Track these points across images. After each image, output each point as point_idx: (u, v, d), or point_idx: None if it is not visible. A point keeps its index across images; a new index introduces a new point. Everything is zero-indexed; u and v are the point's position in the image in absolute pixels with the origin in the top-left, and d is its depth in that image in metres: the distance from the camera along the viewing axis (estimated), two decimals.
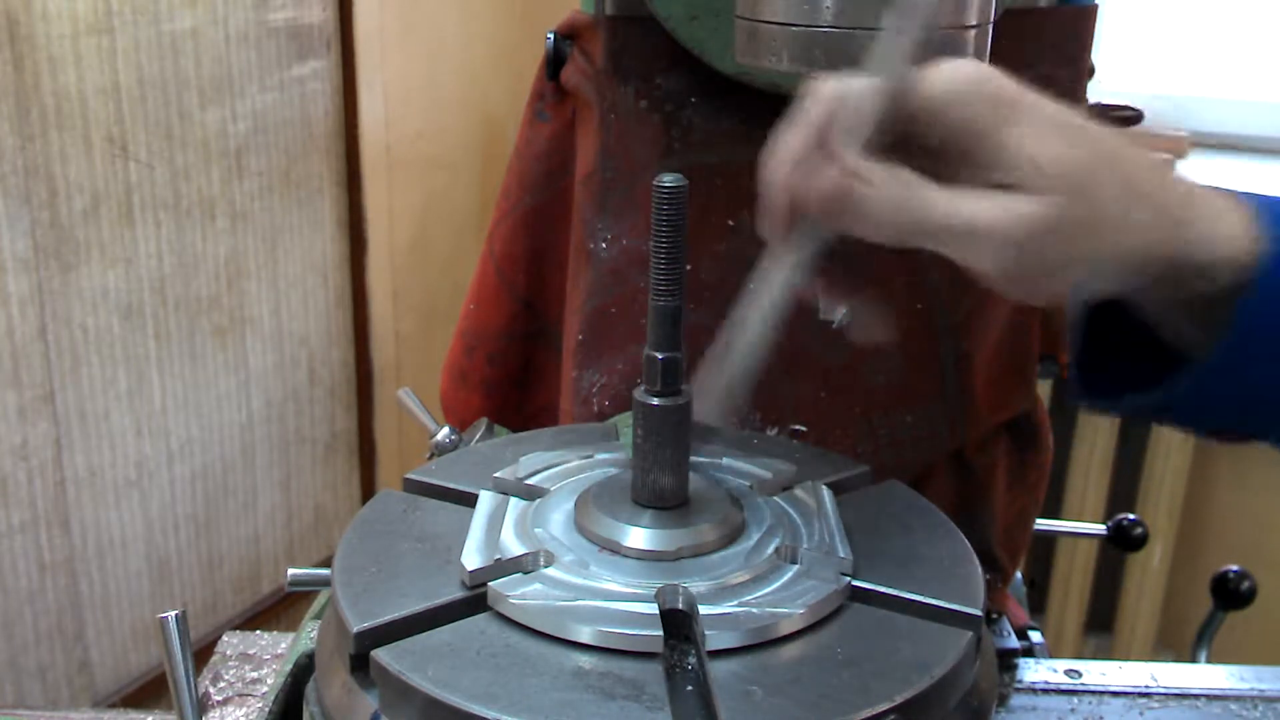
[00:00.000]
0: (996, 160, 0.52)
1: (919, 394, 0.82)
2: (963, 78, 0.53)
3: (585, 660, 0.49)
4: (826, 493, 0.62)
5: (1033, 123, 0.52)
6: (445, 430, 0.87)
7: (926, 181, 0.53)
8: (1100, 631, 2.35)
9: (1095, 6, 0.81)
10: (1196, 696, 0.84)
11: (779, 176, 0.55)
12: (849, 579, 0.55)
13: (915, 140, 0.54)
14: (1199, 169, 2.15)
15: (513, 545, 0.56)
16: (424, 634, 0.51)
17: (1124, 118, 1.22)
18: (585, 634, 0.50)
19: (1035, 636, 0.92)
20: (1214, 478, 2.28)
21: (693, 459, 0.59)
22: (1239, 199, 0.56)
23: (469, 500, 0.62)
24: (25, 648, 1.73)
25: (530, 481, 0.63)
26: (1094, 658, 1.71)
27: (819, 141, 0.53)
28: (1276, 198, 0.57)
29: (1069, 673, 0.87)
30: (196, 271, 1.92)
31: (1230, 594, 1.13)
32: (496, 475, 0.63)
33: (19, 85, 1.58)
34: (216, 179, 1.92)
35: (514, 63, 2.45)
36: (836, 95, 0.54)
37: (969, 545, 0.60)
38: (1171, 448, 2.21)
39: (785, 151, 0.54)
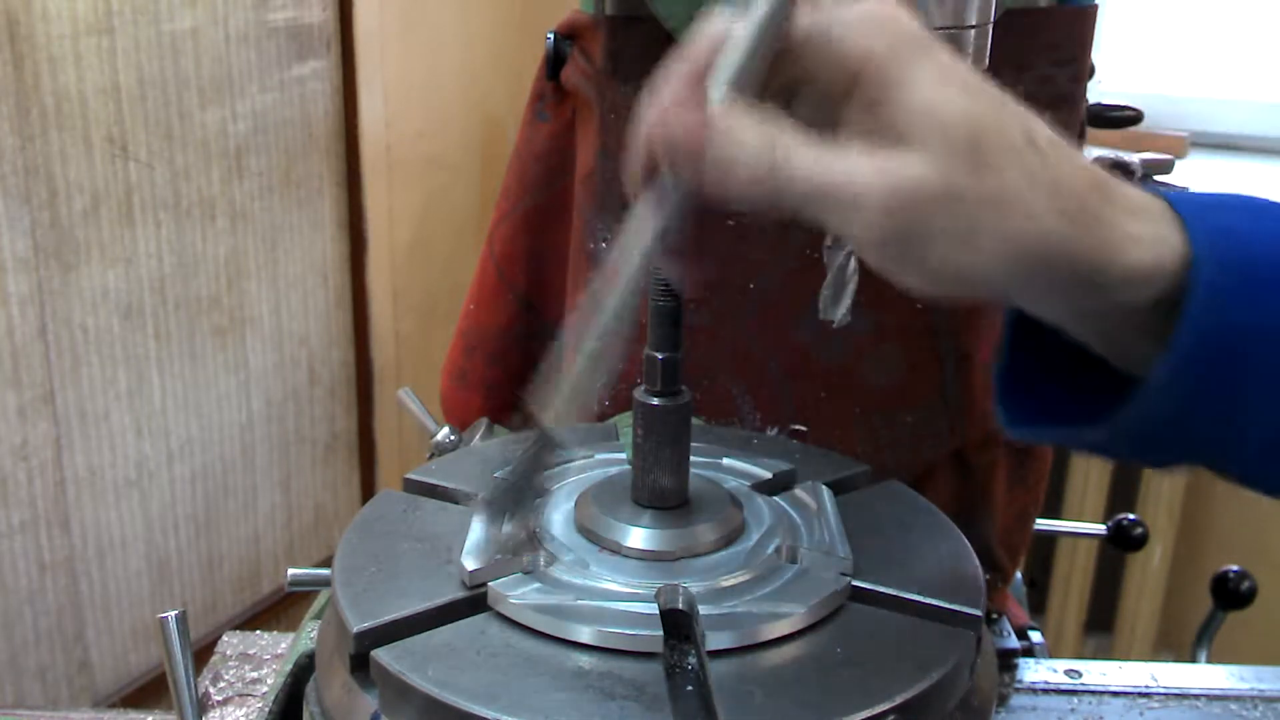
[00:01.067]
0: (883, 104, 0.45)
1: (919, 394, 0.82)
2: (861, 8, 0.46)
3: (585, 660, 0.49)
4: (826, 493, 0.62)
5: (933, 68, 0.45)
6: (445, 430, 0.87)
7: (798, 133, 0.45)
8: (1100, 631, 2.35)
9: (1095, 6, 0.81)
10: (1196, 696, 0.84)
11: (643, 123, 0.47)
12: (849, 579, 0.55)
13: (799, 85, 0.48)
14: (1199, 169, 2.15)
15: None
16: (424, 634, 0.51)
17: (1124, 118, 1.22)
18: (585, 634, 0.50)
19: (1035, 636, 0.92)
20: (1214, 478, 2.28)
21: (693, 459, 0.59)
22: (1154, 193, 0.48)
23: (469, 500, 0.62)
24: (25, 648, 1.73)
25: None
26: (1094, 658, 1.71)
27: (691, 86, 0.46)
28: (1194, 194, 0.49)
29: (1069, 673, 0.87)
30: (196, 271, 1.92)
31: (1230, 594, 1.13)
32: (497, 475, 0.63)
33: (19, 85, 1.58)
34: (216, 179, 1.92)
35: (514, 63, 2.45)
36: (716, 33, 0.47)
37: (969, 545, 0.60)
38: None
39: (655, 96, 0.47)
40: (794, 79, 0.48)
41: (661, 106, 0.47)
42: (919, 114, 0.44)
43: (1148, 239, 0.46)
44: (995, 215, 0.44)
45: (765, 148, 0.45)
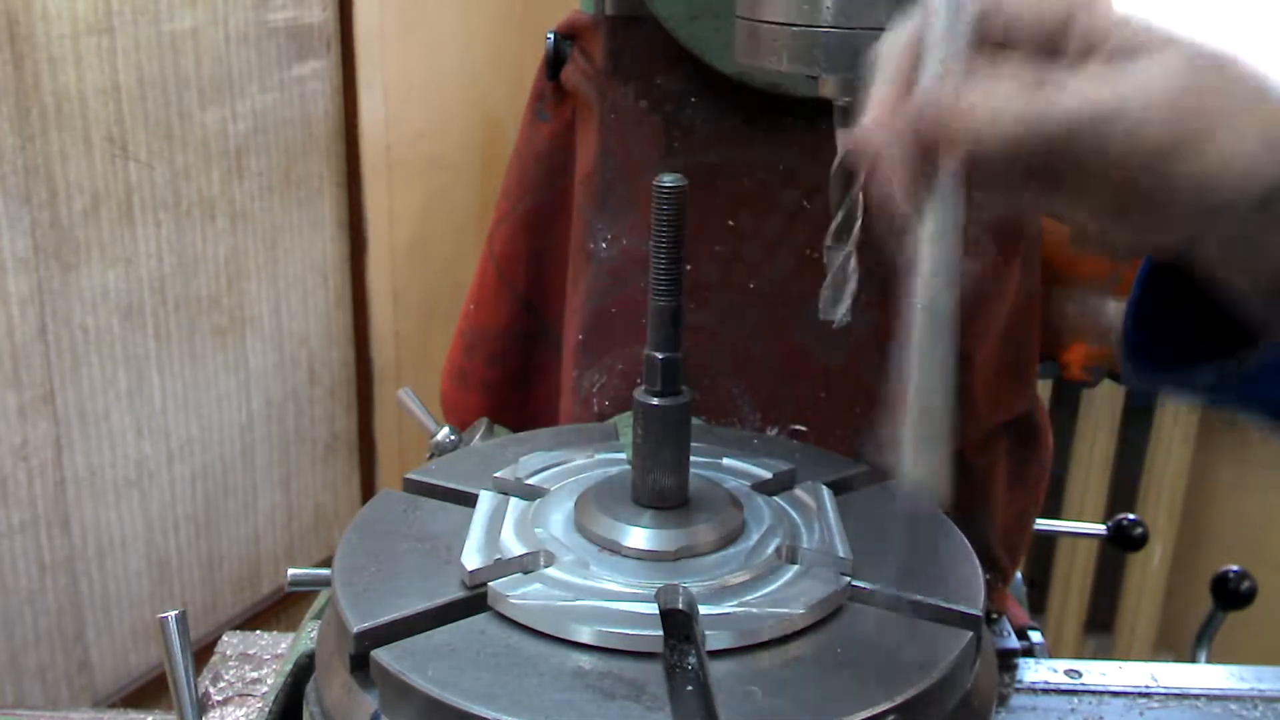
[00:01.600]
0: (1105, 27, 0.45)
1: None
2: None
3: (585, 660, 0.49)
4: (826, 493, 0.62)
5: None
6: (445, 430, 0.87)
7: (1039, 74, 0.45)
8: (1100, 631, 2.35)
9: None
10: (1196, 696, 0.84)
11: (882, 133, 0.46)
12: (849, 579, 0.55)
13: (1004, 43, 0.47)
14: None
15: (513, 545, 0.56)
16: (424, 634, 0.51)
17: None
18: (585, 634, 0.50)
19: (1035, 636, 0.92)
20: (1214, 478, 2.28)
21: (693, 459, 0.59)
22: None
23: (469, 500, 0.62)
24: (25, 648, 1.73)
25: (530, 481, 0.63)
26: (1094, 658, 1.71)
27: (910, 82, 0.46)
28: None
29: (1069, 673, 0.87)
30: (196, 271, 1.92)
31: (1230, 594, 1.13)
32: (496, 475, 0.63)
33: (19, 85, 1.58)
34: (216, 179, 1.92)
35: (514, 63, 2.46)
36: (913, 30, 0.47)
37: (969, 545, 0.60)
38: (1171, 448, 2.21)
39: (879, 104, 0.47)
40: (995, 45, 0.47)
41: (894, 108, 0.46)
42: (1153, 31, 0.45)
43: None
44: (1240, 109, 0.44)
45: (1023, 88, 0.44)
